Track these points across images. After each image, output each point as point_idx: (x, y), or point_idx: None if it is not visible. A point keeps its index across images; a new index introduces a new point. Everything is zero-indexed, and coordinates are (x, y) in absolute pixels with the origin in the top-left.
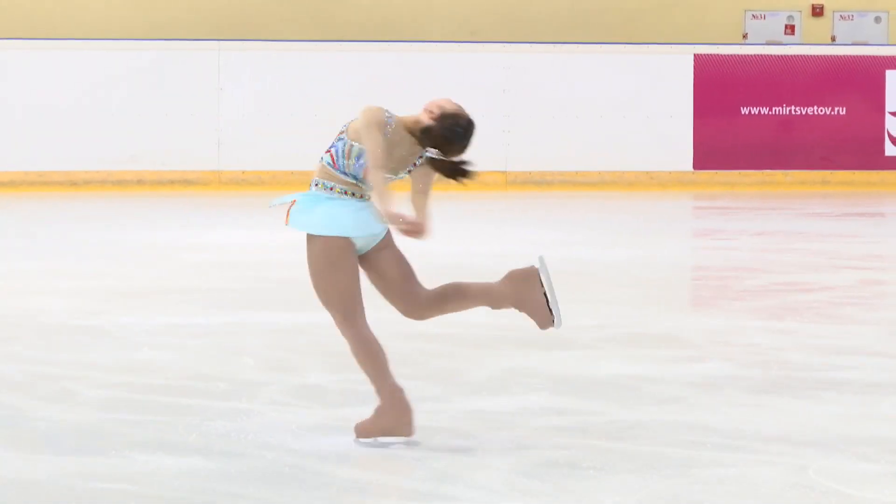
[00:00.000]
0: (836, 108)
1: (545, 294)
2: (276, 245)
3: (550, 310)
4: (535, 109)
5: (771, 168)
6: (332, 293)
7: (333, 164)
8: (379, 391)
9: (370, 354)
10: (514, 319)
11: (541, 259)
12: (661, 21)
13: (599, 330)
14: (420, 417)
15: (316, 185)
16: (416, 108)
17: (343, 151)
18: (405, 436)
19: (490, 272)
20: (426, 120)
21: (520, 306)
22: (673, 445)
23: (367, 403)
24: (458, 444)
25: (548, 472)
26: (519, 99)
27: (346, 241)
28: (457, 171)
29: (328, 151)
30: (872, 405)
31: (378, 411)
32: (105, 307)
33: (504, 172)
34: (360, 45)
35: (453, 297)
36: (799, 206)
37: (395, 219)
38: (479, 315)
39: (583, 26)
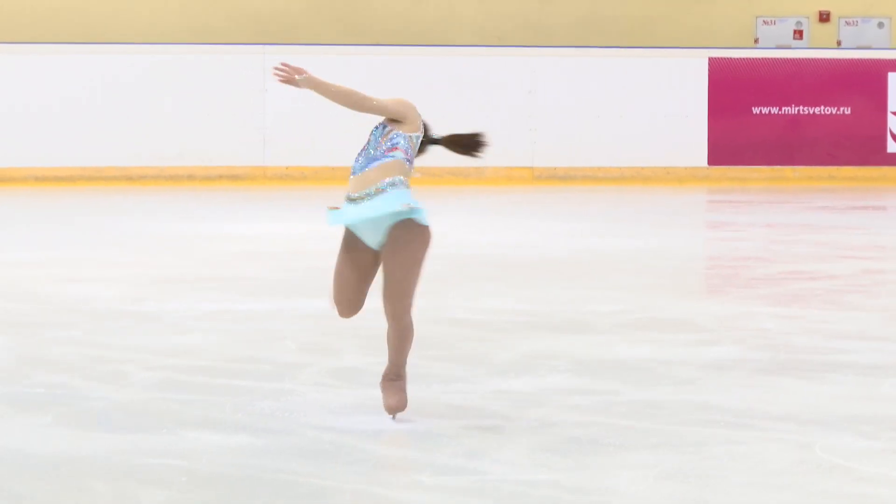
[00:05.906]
0: (842, 108)
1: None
2: (313, 236)
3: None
4: (560, 109)
5: (780, 164)
6: (418, 280)
7: (409, 160)
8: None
9: (413, 337)
10: (537, 306)
11: None
12: (678, 27)
13: (618, 315)
14: (450, 397)
15: (400, 183)
16: (446, 107)
17: (410, 146)
18: None
19: (516, 261)
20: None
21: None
22: (687, 424)
23: None
24: (485, 422)
25: (570, 449)
26: (544, 100)
27: None
28: (473, 146)
29: (397, 149)
30: (873, 386)
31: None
32: (155, 294)
33: (531, 168)
34: (395, 48)
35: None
36: (806, 199)
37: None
38: (504, 302)
39: (604, 32)
